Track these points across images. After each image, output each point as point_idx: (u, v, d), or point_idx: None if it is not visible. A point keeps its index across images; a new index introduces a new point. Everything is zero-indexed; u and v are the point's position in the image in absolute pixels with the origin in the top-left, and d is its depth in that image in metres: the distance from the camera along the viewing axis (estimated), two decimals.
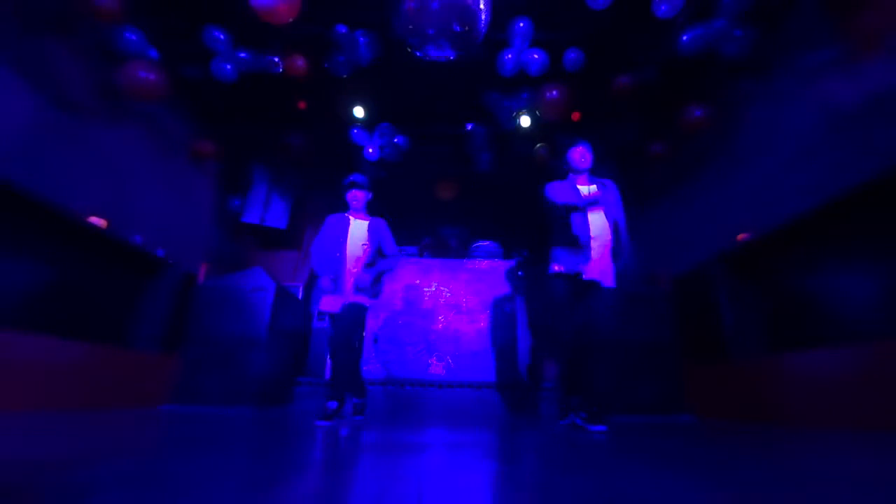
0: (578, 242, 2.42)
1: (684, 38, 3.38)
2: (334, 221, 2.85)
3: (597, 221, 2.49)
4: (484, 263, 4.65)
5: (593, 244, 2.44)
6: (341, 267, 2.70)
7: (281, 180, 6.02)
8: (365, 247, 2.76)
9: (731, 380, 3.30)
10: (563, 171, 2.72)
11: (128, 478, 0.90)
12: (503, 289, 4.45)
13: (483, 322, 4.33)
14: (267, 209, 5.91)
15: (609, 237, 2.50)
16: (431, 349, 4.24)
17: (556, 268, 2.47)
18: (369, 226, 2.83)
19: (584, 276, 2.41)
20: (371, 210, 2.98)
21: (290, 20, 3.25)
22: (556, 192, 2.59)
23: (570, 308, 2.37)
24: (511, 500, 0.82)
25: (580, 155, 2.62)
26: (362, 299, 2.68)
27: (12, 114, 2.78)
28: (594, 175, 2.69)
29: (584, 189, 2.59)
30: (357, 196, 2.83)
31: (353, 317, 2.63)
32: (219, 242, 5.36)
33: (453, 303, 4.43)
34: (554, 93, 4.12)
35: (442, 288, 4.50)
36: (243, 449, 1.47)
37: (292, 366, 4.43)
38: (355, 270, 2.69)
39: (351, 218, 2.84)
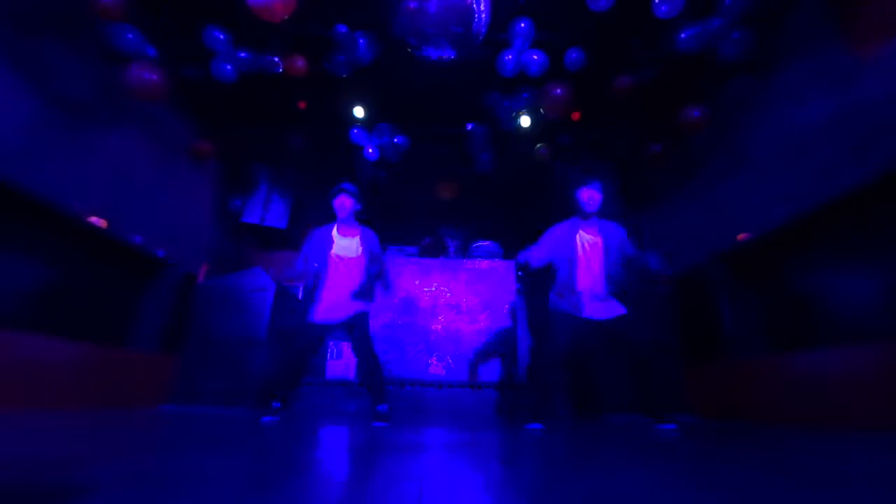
0: (571, 288, 2.46)
1: (682, 35, 3.38)
2: (317, 239, 2.79)
3: (589, 271, 2.49)
4: (484, 263, 4.64)
5: (584, 292, 2.45)
6: (322, 285, 2.66)
7: (281, 180, 6.02)
8: (355, 261, 2.71)
9: (731, 379, 3.30)
10: (569, 205, 2.67)
11: (128, 478, 0.90)
12: (503, 289, 4.45)
13: (483, 322, 4.33)
14: (267, 209, 5.91)
15: (601, 285, 2.49)
16: (431, 349, 4.24)
17: (555, 304, 2.49)
18: (361, 239, 2.78)
19: (591, 317, 2.42)
20: (359, 220, 2.90)
21: (286, 17, 3.24)
22: (553, 241, 2.57)
23: (563, 341, 2.38)
24: (511, 500, 0.82)
25: (588, 197, 2.53)
26: (360, 306, 2.65)
27: (12, 114, 2.78)
28: (601, 217, 2.64)
29: (587, 238, 2.55)
30: (345, 204, 2.73)
31: (357, 326, 2.64)
32: (219, 242, 5.36)
33: (453, 303, 4.43)
34: (558, 90, 4.12)
35: (442, 288, 4.50)
36: (243, 449, 1.47)
37: None
38: (349, 284, 2.66)
39: (335, 235, 2.75)
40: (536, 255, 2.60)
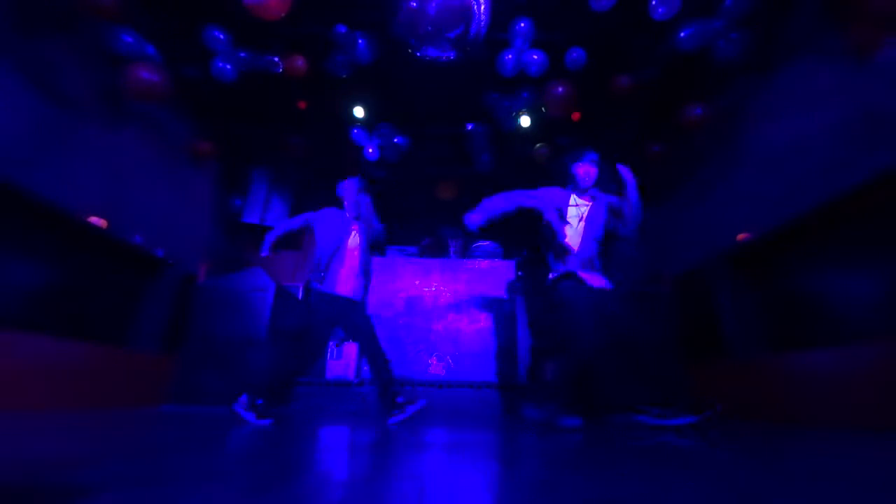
0: (563, 251, 2.45)
1: (681, 34, 3.39)
2: (334, 219, 2.84)
3: (578, 236, 2.49)
4: (484, 263, 4.64)
5: (577, 259, 2.45)
6: (338, 268, 2.69)
7: (281, 180, 6.02)
8: (357, 242, 2.77)
9: (731, 379, 3.30)
10: (564, 178, 2.67)
11: (128, 478, 0.90)
12: (503, 289, 4.45)
13: (483, 322, 4.32)
14: (267, 209, 5.91)
15: (592, 251, 2.49)
16: (431, 349, 4.24)
17: (552, 275, 2.49)
18: (359, 226, 2.84)
19: (588, 283, 2.41)
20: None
21: (282, 16, 3.24)
22: (547, 199, 2.57)
23: (580, 309, 2.36)
24: (511, 500, 0.82)
25: (584, 172, 2.53)
26: (361, 293, 2.71)
27: (12, 114, 2.78)
28: (597, 187, 2.64)
29: (582, 203, 2.55)
30: (358, 202, 2.86)
31: (360, 313, 2.66)
32: (219, 242, 5.36)
33: (453, 303, 4.43)
34: (559, 89, 4.12)
35: (442, 288, 4.50)
36: (243, 449, 1.47)
37: None
38: (355, 271, 2.70)
39: (350, 219, 2.85)
40: (512, 200, 2.53)
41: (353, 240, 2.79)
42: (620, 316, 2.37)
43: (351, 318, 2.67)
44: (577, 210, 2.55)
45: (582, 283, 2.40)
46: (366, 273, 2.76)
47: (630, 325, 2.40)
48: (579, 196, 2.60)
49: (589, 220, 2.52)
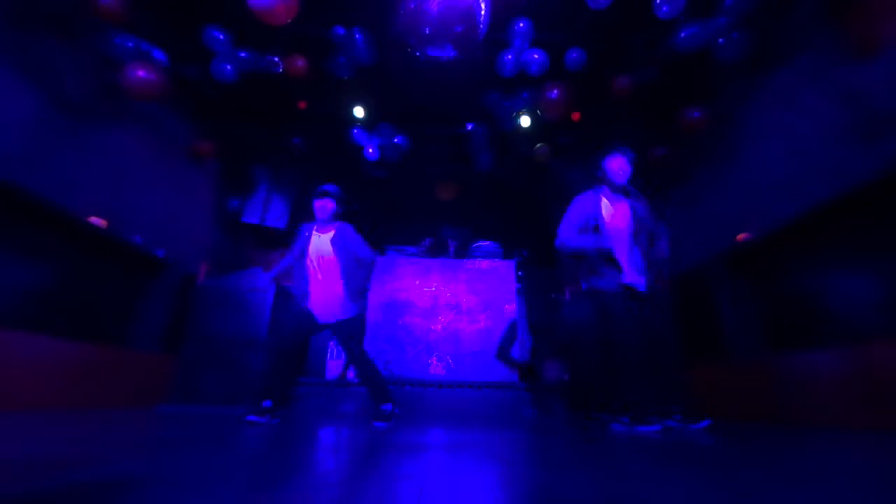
0: (607, 258, 2.36)
1: (682, 34, 3.38)
2: (301, 236, 2.75)
3: (623, 241, 2.39)
4: (484, 263, 4.64)
5: (620, 262, 2.37)
6: (307, 283, 2.65)
7: (281, 180, 6.02)
8: (331, 260, 2.64)
9: (731, 379, 3.30)
10: (595, 178, 2.54)
11: (127, 478, 0.90)
12: (503, 289, 4.45)
13: (483, 322, 4.33)
14: (267, 209, 5.91)
15: (636, 255, 2.41)
16: (431, 349, 4.24)
17: (586, 286, 2.42)
18: (332, 237, 2.69)
19: (613, 289, 2.36)
20: (341, 219, 2.83)
21: (288, 21, 3.24)
22: (579, 212, 2.44)
23: (600, 324, 2.32)
24: (512, 500, 0.82)
25: (618, 167, 2.41)
26: (343, 312, 2.62)
27: (12, 114, 2.78)
28: (631, 185, 2.51)
29: (611, 208, 2.42)
30: (326, 207, 2.70)
31: (351, 330, 2.62)
32: (219, 242, 5.36)
33: (453, 303, 4.43)
34: (555, 92, 4.12)
35: (442, 288, 4.50)
36: (243, 449, 1.47)
37: None
38: (335, 287, 2.63)
39: (315, 233, 2.72)
40: (568, 233, 2.40)
41: (316, 251, 2.65)
42: (641, 320, 2.35)
43: (322, 334, 2.64)
44: (610, 212, 2.43)
45: (608, 294, 2.36)
46: (349, 289, 2.63)
47: (645, 328, 2.38)
48: (611, 195, 2.47)
49: (634, 224, 2.42)
